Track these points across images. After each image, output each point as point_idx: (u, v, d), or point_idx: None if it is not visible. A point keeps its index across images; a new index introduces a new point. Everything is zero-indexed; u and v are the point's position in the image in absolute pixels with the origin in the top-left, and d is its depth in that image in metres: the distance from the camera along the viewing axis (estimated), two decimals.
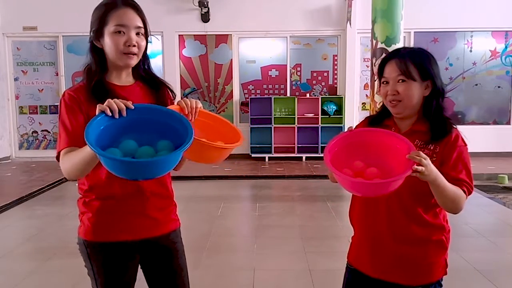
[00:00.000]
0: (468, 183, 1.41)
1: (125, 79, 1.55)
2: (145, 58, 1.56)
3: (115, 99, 1.28)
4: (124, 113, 1.27)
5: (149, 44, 1.54)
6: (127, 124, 1.29)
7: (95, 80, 1.47)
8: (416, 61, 1.44)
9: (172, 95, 1.64)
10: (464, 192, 1.39)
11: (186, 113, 1.38)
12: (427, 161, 1.26)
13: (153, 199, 1.53)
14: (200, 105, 1.44)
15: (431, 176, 1.28)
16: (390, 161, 1.35)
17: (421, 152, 1.28)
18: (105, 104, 1.26)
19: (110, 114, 1.25)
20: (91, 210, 1.50)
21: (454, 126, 1.47)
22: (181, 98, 1.43)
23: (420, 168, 1.24)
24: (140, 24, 1.47)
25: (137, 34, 1.47)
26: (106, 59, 1.50)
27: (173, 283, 1.62)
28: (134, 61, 1.49)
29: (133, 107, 1.29)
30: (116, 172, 1.20)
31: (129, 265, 1.55)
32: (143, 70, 1.58)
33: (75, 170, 1.36)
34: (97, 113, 1.25)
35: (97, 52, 1.50)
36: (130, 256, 1.55)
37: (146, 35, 1.51)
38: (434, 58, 1.49)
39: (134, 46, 1.46)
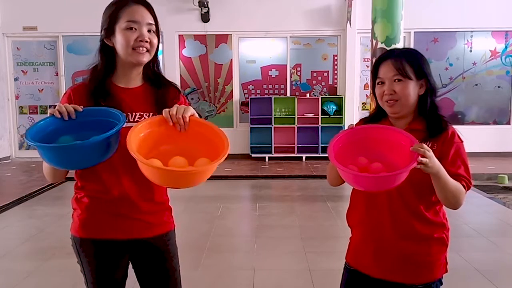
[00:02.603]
0: (467, 178, 1.43)
1: (133, 79, 1.53)
2: (155, 58, 1.53)
3: (66, 104, 1.37)
4: (74, 116, 1.36)
5: (160, 44, 1.53)
6: (77, 126, 1.37)
7: (98, 81, 1.48)
8: (411, 61, 1.47)
9: (177, 95, 1.59)
10: (464, 187, 1.41)
11: (171, 125, 1.34)
12: (431, 153, 1.29)
13: (141, 204, 1.51)
14: (189, 113, 1.35)
15: (435, 168, 1.31)
16: (393, 156, 1.37)
17: (424, 144, 1.30)
18: (56, 107, 1.36)
19: (59, 116, 1.34)
20: (81, 207, 1.51)
21: (449, 124, 1.49)
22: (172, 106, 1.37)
23: (424, 160, 1.27)
24: (152, 21, 1.47)
25: (149, 31, 1.46)
26: (116, 59, 1.50)
27: (165, 285, 1.60)
28: (146, 58, 1.47)
29: (81, 110, 1.37)
30: (48, 160, 1.30)
31: (119, 262, 1.55)
32: (151, 71, 1.56)
33: (46, 174, 1.48)
34: (48, 115, 1.36)
35: (107, 51, 1.49)
36: (119, 254, 1.54)
37: (157, 33, 1.50)
38: (425, 58, 1.52)
39: (147, 42, 1.45)
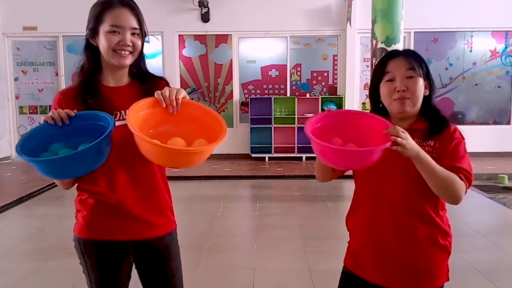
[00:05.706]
0: (466, 171, 1.38)
1: (120, 79, 1.53)
2: (140, 57, 1.53)
3: (59, 110, 1.37)
4: (67, 121, 1.36)
5: (147, 43, 1.53)
6: (70, 132, 1.37)
7: (86, 80, 1.48)
8: (420, 61, 1.46)
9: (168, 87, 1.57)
10: (461, 179, 1.36)
11: (164, 106, 1.35)
12: (406, 135, 1.28)
13: (142, 204, 1.51)
14: (182, 95, 1.38)
15: (414, 151, 1.30)
16: (370, 142, 1.35)
17: (398, 127, 1.30)
18: (49, 114, 1.36)
19: (53, 123, 1.35)
20: (86, 208, 1.51)
21: (452, 124, 1.48)
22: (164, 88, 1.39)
23: (399, 139, 1.26)
24: (136, 25, 1.45)
25: (133, 34, 1.45)
26: (101, 59, 1.49)
27: (166, 286, 1.60)
28: (129, 60, 1.47)
29: (74, 114, 1.37)
30: (41, 171, 1.27)
31: (123, 263, 1.55)
32: (136, 69, 1.55)
33: (58, 184, 1.49)
34: (41, 123, 1.37)
35: (92, 50, 1.49)
36: (123, 254, 1.54)
37: (142, 35, 1.49)
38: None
39: (129, 46, 1.44)
